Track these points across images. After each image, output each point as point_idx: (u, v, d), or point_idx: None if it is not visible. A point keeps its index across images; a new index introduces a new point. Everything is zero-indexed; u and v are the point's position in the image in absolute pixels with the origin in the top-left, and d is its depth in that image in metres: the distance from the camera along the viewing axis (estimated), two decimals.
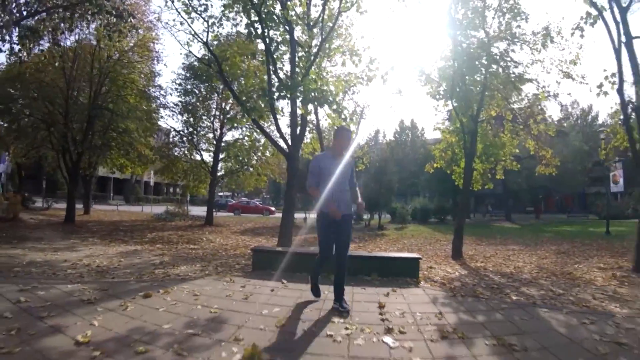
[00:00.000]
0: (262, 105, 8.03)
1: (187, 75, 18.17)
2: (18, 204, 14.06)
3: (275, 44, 7.64)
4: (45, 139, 15.06)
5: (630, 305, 4.46)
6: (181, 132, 19.34)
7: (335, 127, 3.83)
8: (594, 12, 7.78)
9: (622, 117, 8.11)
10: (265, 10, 6.94)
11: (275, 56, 7.73)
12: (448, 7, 8.73)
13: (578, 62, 9.21)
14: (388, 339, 2.88)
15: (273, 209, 36.35)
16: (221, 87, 16.76)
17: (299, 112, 8.70)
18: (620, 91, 7.63)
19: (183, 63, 19.00)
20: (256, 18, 7.16)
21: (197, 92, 18.72)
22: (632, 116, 7.60)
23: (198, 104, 19.01)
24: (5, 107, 13.42)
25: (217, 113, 19.37)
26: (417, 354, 2.62)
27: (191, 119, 19.03)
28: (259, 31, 7.51)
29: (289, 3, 7.34)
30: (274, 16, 7.16)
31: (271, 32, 7.49)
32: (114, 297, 3.86)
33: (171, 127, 19.95)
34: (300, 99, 7.48)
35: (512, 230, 20.05)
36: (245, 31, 8.06)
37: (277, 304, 3.78)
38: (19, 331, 2.80)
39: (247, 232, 16.01)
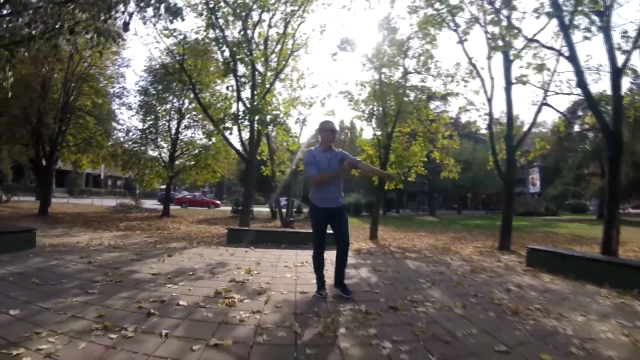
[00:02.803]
0: (231, 125, 10.45)
1: (150, 79, 19.75)
2: None
3: (243, 80, 10.16)
4: (22, 136, 16.12)
5: (470, 263, 7.09)
6: (140, 130, 20.85)
7: (319, 123, 4.17)
8: (474, 70, 10.80)
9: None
10: (238, 56, 9.46)
11: (241, 89, 10.28)
12: (376, 50, 11.54)
13: (480, 92, 11.61)
14: None
15: (219, 202, 37.98)
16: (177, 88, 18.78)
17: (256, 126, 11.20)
18: (489, 127, 10.83)
19: (145, 66, 20.56)
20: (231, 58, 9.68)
21: (154, 92, 20.30)
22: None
23: (155, 103, 20.61)
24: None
25: (173, 113, 21.13)
26: (329, 276, 5.26)
27: (148, 118, 20.61)
28: (231, 66, 9.98)
29: (254, 49, 9.89)
30: (245, 58, 9.71)
31: (239, 70, 10.04)
32: (149, 257, 6.17)
33: (134, 126, 21.29)
34: (258, 122, 10.02)
35: (430, 223, 23.68)
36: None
37: (252, 257, 6.36)
38: (112, 273, 4.81)
39: (203, 222, 18.04)
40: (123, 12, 8.54)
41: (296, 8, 11.07)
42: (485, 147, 40.23)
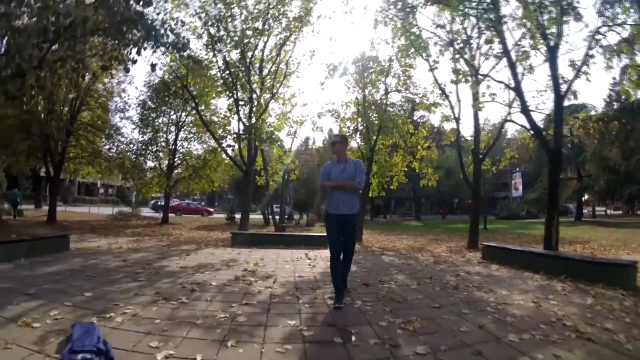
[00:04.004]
0: (233, 143, 11.90)
1: (150, 93, 20.91)
2: None
3: (242, 103, 11.60)
4: (33, 147, 17.28)
5: (437, 259, 8.52)
6: (140, 142, 21.97)
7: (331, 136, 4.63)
8: (443, 94, 12.41)
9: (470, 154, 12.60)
10: (239, 83, 10.91)
11: (239, 109, 11.75)
12: (360, 73, 13.06)
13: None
14: (307, 261, 6.97)
15: (212, 210, 38.76)
16: (177, 103, 20.07)
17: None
18: (457, 142, 12.40)
19: (145, 81, 21.76)
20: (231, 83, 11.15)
21: (153, 106, 21.44)
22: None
23: (154, 115, 21.75)
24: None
25: (173, 128, 22.34)
26: (319, 266, 6.68)
27: (147, 131, 21.73)
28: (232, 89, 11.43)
29: (252, 78, 11.36)
30: (245, 84, 11.19)
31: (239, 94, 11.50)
32: (171, 256, 7.52)
33: (134, 138, 22.36)
34: (256, 138, 11.46)
35: (414, 227, 25.20)
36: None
37: (255, 255, 7.76)
38: (148, 267, 6.18)
39: (202, 228, 19.16)
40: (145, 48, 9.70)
41: (288, 34, 12.54)
42: (468, 154, 42.21)
